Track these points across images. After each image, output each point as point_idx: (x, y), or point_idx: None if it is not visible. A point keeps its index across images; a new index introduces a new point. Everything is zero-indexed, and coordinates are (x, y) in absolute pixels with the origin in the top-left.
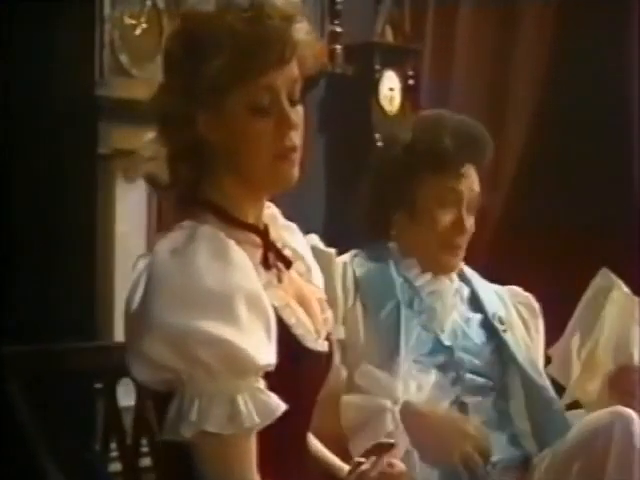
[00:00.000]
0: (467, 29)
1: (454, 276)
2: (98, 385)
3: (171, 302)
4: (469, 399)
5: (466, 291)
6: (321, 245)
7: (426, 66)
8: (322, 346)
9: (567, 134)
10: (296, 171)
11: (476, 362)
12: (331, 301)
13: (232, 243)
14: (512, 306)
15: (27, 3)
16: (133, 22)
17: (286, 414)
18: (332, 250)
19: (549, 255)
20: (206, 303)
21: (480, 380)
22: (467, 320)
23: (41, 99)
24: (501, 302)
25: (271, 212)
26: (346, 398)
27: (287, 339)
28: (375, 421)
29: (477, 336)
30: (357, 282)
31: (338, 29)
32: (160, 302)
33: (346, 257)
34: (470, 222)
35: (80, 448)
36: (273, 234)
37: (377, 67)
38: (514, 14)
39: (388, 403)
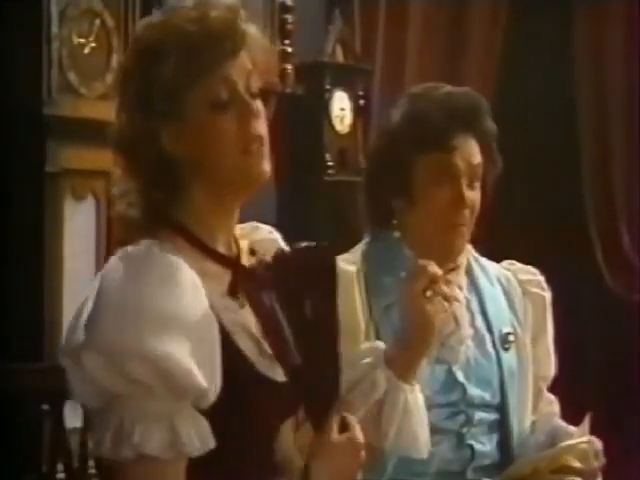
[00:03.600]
0: (417, 49)
1: (464, 282)
2: (45, 406)
3: (114, 320)
4: (475, 442)
5: (475, 302)
6: (339, 261)
7: (377, 86)
8: (282, 376)
9: (518, 144)
10: (267, 165)
11: (487, 397)
12: (349, 326)
13: (182, 264)
14: (521, 301)
15: None
16: (82, 41)
17: (238, 441)
18: (352, 268)
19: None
20: (149, 323)
21: (490, 416)
22: (478, 340)
23: None
24: (508, 306)
25: (272, 237)
26: None
27: (238, 363)
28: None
29: (486, 357)
30: (370, 300)
31: (289, 49)
32: (103, 319)
33: (356, 262)
34: (472, 196)
35: (26, 470)
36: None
37: (328, 87)
38: (463, 32)
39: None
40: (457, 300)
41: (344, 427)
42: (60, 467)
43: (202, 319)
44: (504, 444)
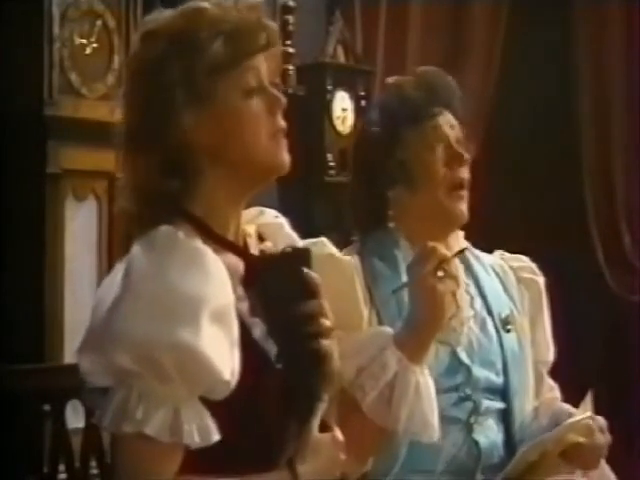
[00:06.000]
0: (417, 49)
1: (460, 268)
2: (46, 407)
3: (140, 311)
4: (482, 437)
5: (473, 287)
6: (338, 253)
7: (378, 86)
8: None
9: (518, 145)
10: (288, 156)
11: (492, 378)
12: (353, 315)
13: (208, 252)
14: (516, 287)
15: None
16: (83, 41)
17: (243, 432)
18: (350, 258)
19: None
20: (175, 314)
21: (495, 404)
22: (480, 322)
23: None
24: (505, 292)
25: (278, 221)
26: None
27: (254, 356)
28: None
29: (488, 338)
30: (369, 289)
31: (290, 50)
32: (129, 310)
33: (353, 255)
34: (466, 157)
35: (28, 470)
36: (269, 244)
37: (329, 87)
38: (463, 32)
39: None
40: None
41: (325, 428)
42: (62, 468)
43: (227, 307)
44: (509, 434)
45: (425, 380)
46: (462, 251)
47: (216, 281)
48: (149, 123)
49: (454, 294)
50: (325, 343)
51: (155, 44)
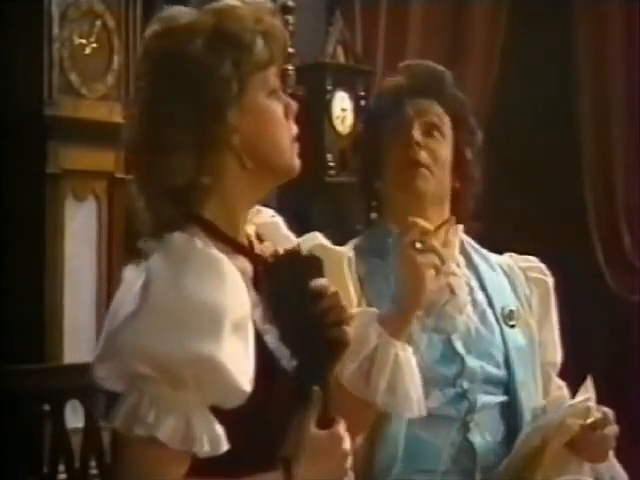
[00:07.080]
0: (417, 49)
1: (461, 260)
2: (46, 407)
3: (160, 322)
4: (477, 438)
5: (474, 280)
6: (329, 244)
7: (378, 86)
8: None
9: (518, 145)
10: (299, 161)
11: (491, 370)
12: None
13: (225, 260)
14: (524, 286)
15: None
16: (83, 41)
17: (255, 433)
18: (342, 249)
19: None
20: (196, 325)
21: (496, 398)
22: (480, 313)
23: None
24: (511, 289)
25: (275, 220)
26: None
27: (268, 364)
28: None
29: (489, 329)
30: (361, 280)
31: (290, 50)
32: (149, 321)
33: (348, 250)
34: (431, 144)
35: (27, 470)
36: (269, 245)
37: (329, 87)
38: (463, 32)
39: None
40: (443, 254)
41: (329, 424)
42: (61, 468)
43: (245, 318)
44: (514, 429)
45: (406, 355)
46: (444, 223)
47: (234, 291)
48: (193, 118)
49: (436, 268)
50: (348, 330)
51: (191, 40)
